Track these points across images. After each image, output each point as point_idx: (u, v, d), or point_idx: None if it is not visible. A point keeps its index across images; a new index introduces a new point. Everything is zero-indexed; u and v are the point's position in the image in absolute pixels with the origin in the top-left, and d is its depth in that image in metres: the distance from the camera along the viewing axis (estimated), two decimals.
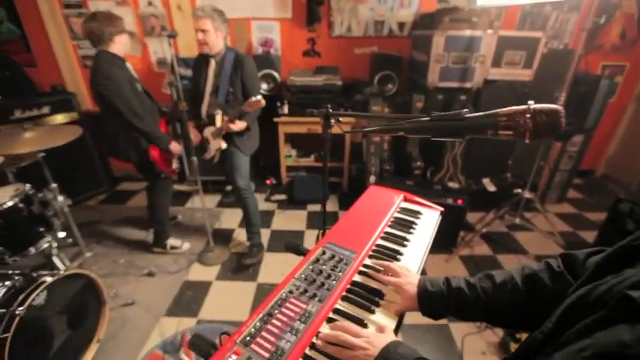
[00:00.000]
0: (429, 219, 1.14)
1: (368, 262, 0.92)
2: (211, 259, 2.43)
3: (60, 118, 2.97)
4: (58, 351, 1.53)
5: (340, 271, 0.85)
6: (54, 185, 1.97)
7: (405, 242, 1.01)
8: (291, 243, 1.10)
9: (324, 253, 0.92)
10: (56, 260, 1.93)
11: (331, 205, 3.23)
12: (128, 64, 2.09)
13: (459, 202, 2.48)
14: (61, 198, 1.99)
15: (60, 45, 3.31)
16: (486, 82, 2.75)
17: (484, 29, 2.56)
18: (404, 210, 1.18)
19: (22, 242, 1.61)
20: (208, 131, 2.20)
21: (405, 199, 1.25)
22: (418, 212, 1.17)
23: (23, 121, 2.75)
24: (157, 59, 3.41)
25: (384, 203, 1.20)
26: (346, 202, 3.25)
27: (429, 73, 2.69)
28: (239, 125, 2.05)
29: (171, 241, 2.51)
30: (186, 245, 2.58)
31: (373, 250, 0.96)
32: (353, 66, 3.34)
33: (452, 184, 2.80)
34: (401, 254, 0.96)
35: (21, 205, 1.59)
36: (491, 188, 3.01)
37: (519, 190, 2.56)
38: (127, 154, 2.11)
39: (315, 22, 3.19)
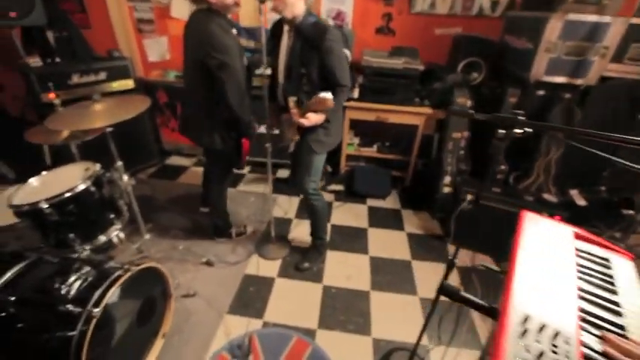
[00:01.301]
0: (624, 270, 0.87)
1: (587, 339, 0.66)
2: (272, 252, 2.26)
3: (115, 85, 2.81)
4: (121, 344, 1.40)
5: (566, 357, 0.60)
6: (120, 163, 1.81)
7: (617, 307, 0.75)
8: (449, 286, 0.86)
9: (526, 320, 0.67)
10: (115, 240, 1.81)
11: (391, 202, 2.98)
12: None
13: (557, 218, 2.16)
14: (125, 177, 1.84)
15: (115, 6, 3.10)
16: (600, 79, 2.33)
17: (614, 14, 2.12)
18: (584, 254, 0.91)
19: (92, 229, 1.47)
20: (285, 117, 1.94)
21: (578, 237, 0.98)
22: (605, 259, 0.90)
23: (81, 87, 2.62)
24: None
25: (553, 240, 0.94)
26: (409, 200, 2.98)
27: (533, 63, 2.29)
28: (312, 120, 1.67)
29: (235, 229, 2.36)
30: (249, 229, 2.43)
31: (585, 321, 0.71)
32: (431, 48, 2.95)
33: (547, 196, 2.46)
34: (622, 328, 0.70)
35: (92, 188, 1.43)
36: (581, 202, 2.64)
37: (631, 212, 2.20)
38: (211, 141, 1.82)
39: None
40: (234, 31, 1.75)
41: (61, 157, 2.31)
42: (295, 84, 1.74)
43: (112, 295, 1.28)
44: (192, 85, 1.75)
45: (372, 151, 3.10)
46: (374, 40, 2.99)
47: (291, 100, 1.77)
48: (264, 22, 3.03)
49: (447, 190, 2.63)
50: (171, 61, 3.32)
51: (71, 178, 1.44)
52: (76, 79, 2.59)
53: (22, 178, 2.61)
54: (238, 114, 1.72)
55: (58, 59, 2.58)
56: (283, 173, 3.25)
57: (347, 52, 2.69)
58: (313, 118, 1.69)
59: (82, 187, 1.38)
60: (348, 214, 2.76)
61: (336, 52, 1.62)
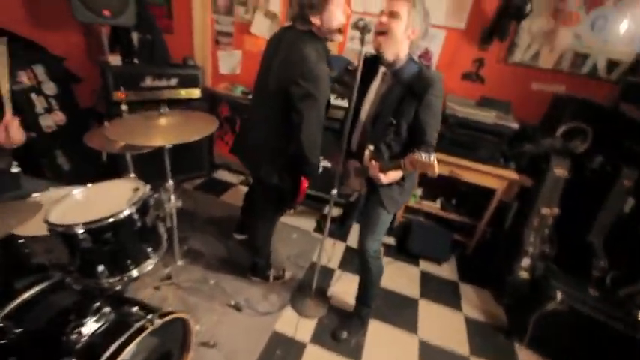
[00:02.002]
0: None
1: None
2: (308, 308, 1.97)
3: (184, 92, 2.78)
4: None
5: None
6: (170, 183, 1.67)
7: None
8: None
9: None
10: None
11: (448, 269, 2.57)
12: None
13: None
14: (173, 199, 1.68)
15: (200, 16, 3.14)
16: None
17: None
18: None
19: (124, 261, 1.29)
20: (352, 164, 1.70)
21: None
22: None
23: (152, 90, 2.60)
24: None
25: None
26: (469, 271, 2.55)
27: None
28: (391, 177, 1.41)
29: (273, 272, 2.11)
30: (288, 274, 2.17)
31: None
32: (523, 104, 2.58)
33: None
34: None
35: (136, 215, 1.26)
36: None
37: None
38: (268, 174, 1.62)
39: (492, 40, 2.51)
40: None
41: (117, 158, 2.26)
42: (380, 133, 1.49)
43: (127, 352, 1.07)
44: (264, 109, 1.56)
45: (434, 207, 2.74)
46: (459, 86, 2.69)
47: (369, 150, 1.52)
48: (340, 50, 2.89)
49: (523, 274, 2.19)
50: (240, 75, 3.27)
51: (116, 199, 1.29)
52: (149, 81, 2.58)
53: (76, 171, 2.65)
54: (307, 155, 1.50)
55: (136, 60, 2.59)
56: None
57: None
58: (392, 176, 1.42)
59: (125, 213, 1.21)
60: (397, 276, 2.40)
61: (434, 108, 1.40)
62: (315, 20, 1.40)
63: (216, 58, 3.29)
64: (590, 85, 2.48)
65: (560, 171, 2.17)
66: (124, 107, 1.78)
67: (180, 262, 1.94)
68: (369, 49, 1.39)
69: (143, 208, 1.31)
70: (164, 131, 1.49)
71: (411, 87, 1.38)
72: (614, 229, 2.14)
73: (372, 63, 1.53)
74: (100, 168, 2.27)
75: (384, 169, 1.40)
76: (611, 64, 2.42)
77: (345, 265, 2.41)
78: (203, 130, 1.50)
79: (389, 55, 1.38)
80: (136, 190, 1.36)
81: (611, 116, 2.31)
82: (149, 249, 1.36)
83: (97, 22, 2.52)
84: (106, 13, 2.50)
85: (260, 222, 1.96)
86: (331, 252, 2.51)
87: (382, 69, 1.48)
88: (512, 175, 2.35)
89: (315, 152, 1.52)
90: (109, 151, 1.67)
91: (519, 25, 2.40)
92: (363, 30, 1.31)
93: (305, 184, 1.70)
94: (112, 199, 1.30)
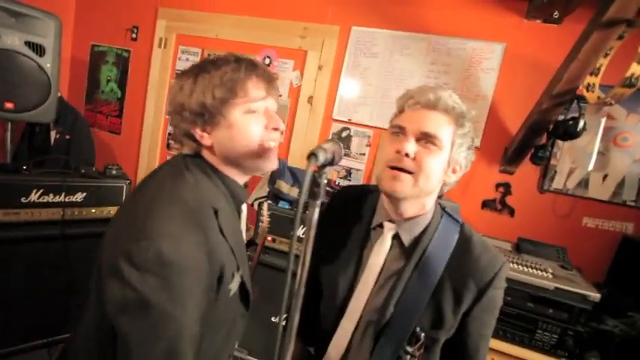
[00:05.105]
0: None
1: None
2: None
3: (95, 211, 1.96)
4: None
5: None
6: None
7: None
8: None
9: None
10: None
11: None
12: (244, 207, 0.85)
13: None
14: None
15: (152, 114, 2.59)
16: None
17: None
18: None
19: None
20: None
21: None
22: None
23: (38, 207, 1.79)
24: None
25: None
26: None
27: None
28: None
29: None
30: None
31: None
32: (575, 249, 1.78)
33: None
34: None
35: None
36: None
37: None
38: None
39: (520, 161, 1.87)
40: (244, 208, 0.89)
41: None
42: (390, 349, 0.68)
43: None
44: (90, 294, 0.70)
45: None
46: (478, 218, 1.94)
47: None
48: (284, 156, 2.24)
49: None
50: None
51: None
52: (34, 196, 1.77)
53: None
54: None
55: (25, 168, 1.83)
56: None
57: None
58: None
59: None
60: None
61: (496, 310, 0.73)
62: (203, 138, 0.68)
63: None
64: None
65: None
66: None
67: None
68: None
69: None
70: None
71: (456, 273, 0.69)
72: None
73: (358, 202, 0.77)
74: None
75: None
76: None
77: None
78: None
79: (408, 208, 0.70)
80: None
81: None
82: None
83: None
84: (8, 105, 1.87)
85: None
86: None
87: (389, 227, 0.71)
88: None
89: None
90: None
91: (556, 144, 1.79)
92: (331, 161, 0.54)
93: None
94: None
